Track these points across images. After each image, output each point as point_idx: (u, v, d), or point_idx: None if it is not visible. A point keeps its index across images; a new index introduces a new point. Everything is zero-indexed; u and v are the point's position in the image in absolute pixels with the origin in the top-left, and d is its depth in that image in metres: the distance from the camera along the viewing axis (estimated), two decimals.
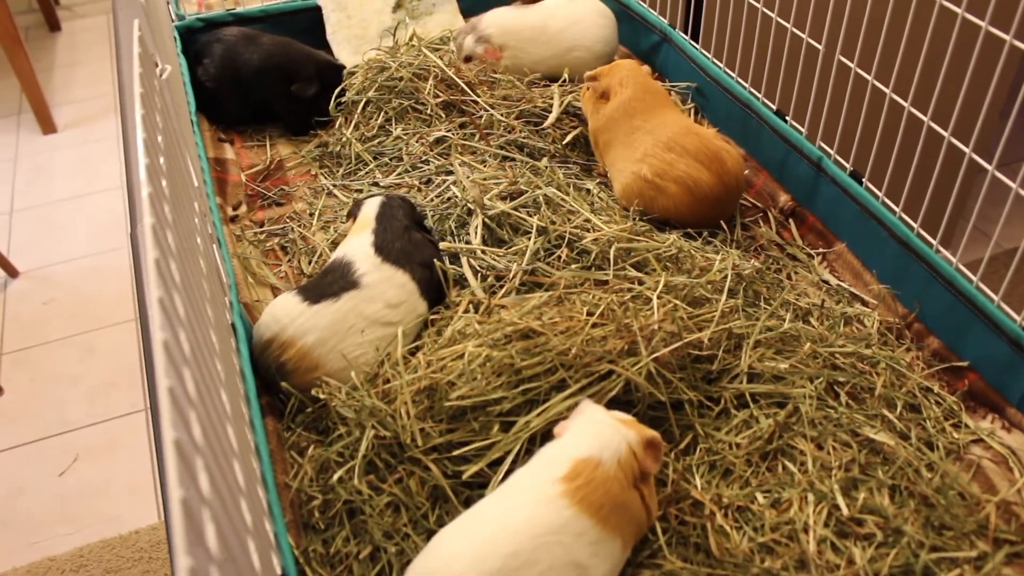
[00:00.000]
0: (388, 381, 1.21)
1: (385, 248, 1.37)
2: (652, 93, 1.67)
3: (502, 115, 1.80)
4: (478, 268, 1.41)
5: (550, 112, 1.83)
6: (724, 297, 1.33)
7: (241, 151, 1.95)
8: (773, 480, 1.16)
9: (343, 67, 2.02)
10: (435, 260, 1.41)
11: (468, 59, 1.98)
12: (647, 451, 1.04)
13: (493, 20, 1.99)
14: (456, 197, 1.56)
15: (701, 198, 1.56)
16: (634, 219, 1.56)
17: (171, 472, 0.52)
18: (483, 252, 1.43)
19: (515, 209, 1.49)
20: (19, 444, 2.45)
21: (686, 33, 2.07)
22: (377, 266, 1.34)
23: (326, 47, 2.20)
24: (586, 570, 0.96)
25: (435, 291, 1.40)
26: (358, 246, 1.38)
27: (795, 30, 1.65)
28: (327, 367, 1.27)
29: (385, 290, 1.33)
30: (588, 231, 1.45)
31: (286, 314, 1.30)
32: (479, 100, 1.83)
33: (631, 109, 1.64)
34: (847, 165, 1.57)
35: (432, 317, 1.36)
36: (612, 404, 1.15)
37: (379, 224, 1.42)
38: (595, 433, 1.03)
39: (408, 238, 1.41)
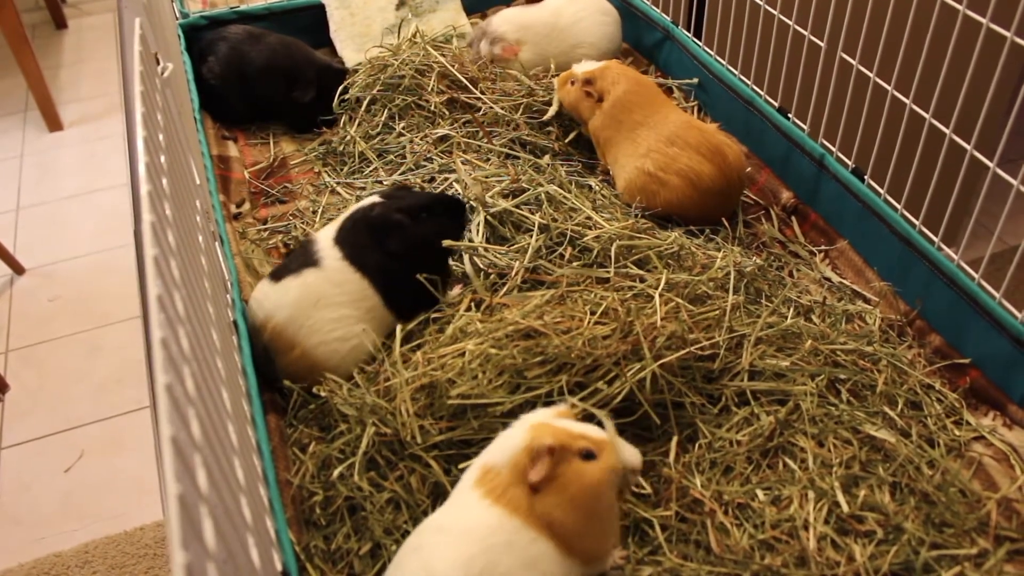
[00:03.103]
0: (388, 379, 1.22)
1: (346, 248, 1.35)
2: (645, 86, 1.69)
3: (504, 109, 1.80)
4: (480, 266, 1.42)
5: (550, 106, 1.83)
6: (730, 297, 1.33)
7: (245, 149, 1.96)
8: (774, 477, 1.16)
9: (345, 71, 2.02)
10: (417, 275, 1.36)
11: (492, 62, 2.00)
12: (530, 460, 0.96)
13: (504, 19, 2.02)
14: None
15: (703, 190, 1.56)
16: (636, 216, 1.56)
17: (168, 468, 0.52)
18: (485, 250, 1.44)
19: (517, 207, 1.49)
20: (25, 440, 2.46)
21: (689, 30, 2.07)
22: (338, 259, 1.33)
23: (329, 45, 2.21)
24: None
25: (408, 306, 1.37)
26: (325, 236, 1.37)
27: (797, 27, 1.65)
28: (303, 345, 1.29)
29: (343, 280, 1.32)
30: (590, 228, 1.45)
31: (260, 295, 1.33)
32: (482, 96, 1.84)
33: (628, 103, 1.65)
34: (849, 162, 1.57)
35: (434, 315, 1.36)
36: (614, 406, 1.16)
37: (343, 227, 1.38)
38: (502, 436, 1.01)
39: (373, 251, 1.35)
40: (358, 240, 1.34)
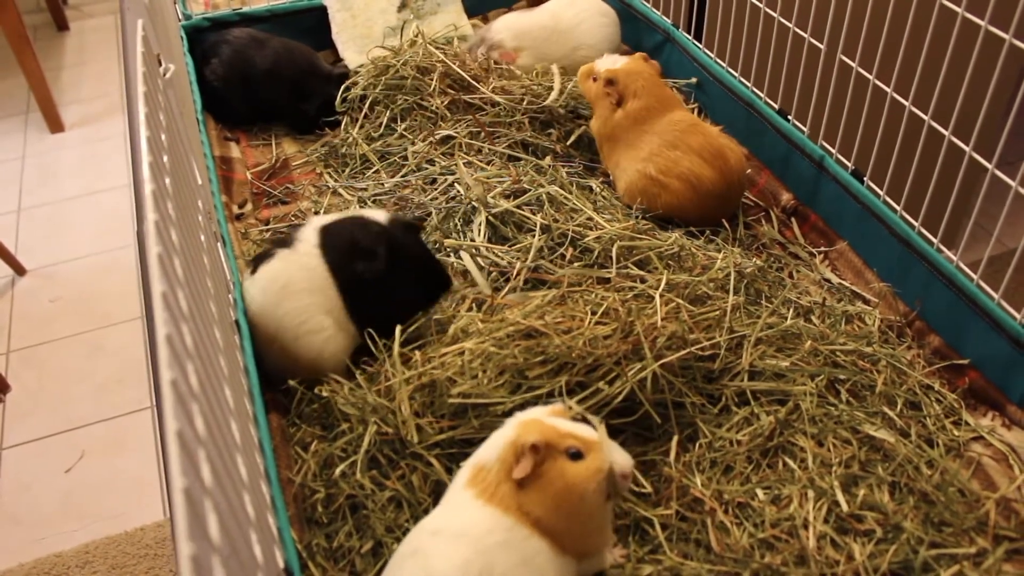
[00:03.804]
0: (389, 378, 1.22)
1: (325, 238, 1.34)
2: (663, 99, 1.66)
3: (506, 106, 1.81)
4: (482, 265, 1.42)
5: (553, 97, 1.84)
6: (730, 297, 1.33)
7: (247, 150, 1.97)
8: (773, 477, 1.16)
9: (347, 75, 2.02)
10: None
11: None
12: (518, 457, 0.96)
13: (502, 26, 2.03)
14: (460, 195, 1.57)
15: (704, 194, 1.57)
16: (636, 217, 1.57)
17: (174, 462, 0.52)
18: (487, 249, 1.44)
19: (518, 207, 1.50)
20: (26, 441, 2.46)
21: (689, 32, 2.08)
22: (313, 245, 1.33)
23: (331, 46, 2.22)
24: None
25: (369, 322, 1.33)
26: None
27: (797, 30, 1.65)
28: (282, 338, 1.29)
29: (313, 266, 1.31)
30: (591, 229, 1.46)
31: (244, 287, 1.35)
32: (486, 93, 1.84)
33: (640, 118, 1.64)
34: (849, 164, 1.58)
35: (436, 316, 1.36)
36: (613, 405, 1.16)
37: (336, 223, 1.37)
38: (494, 434, 1.02)
39: (347, 259, 1.33)
40: (337, 242, 1.33)
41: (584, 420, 1.07)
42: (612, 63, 1.70)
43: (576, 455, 0.97)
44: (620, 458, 0.99)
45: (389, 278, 1.31)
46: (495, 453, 0.98)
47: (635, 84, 1.65)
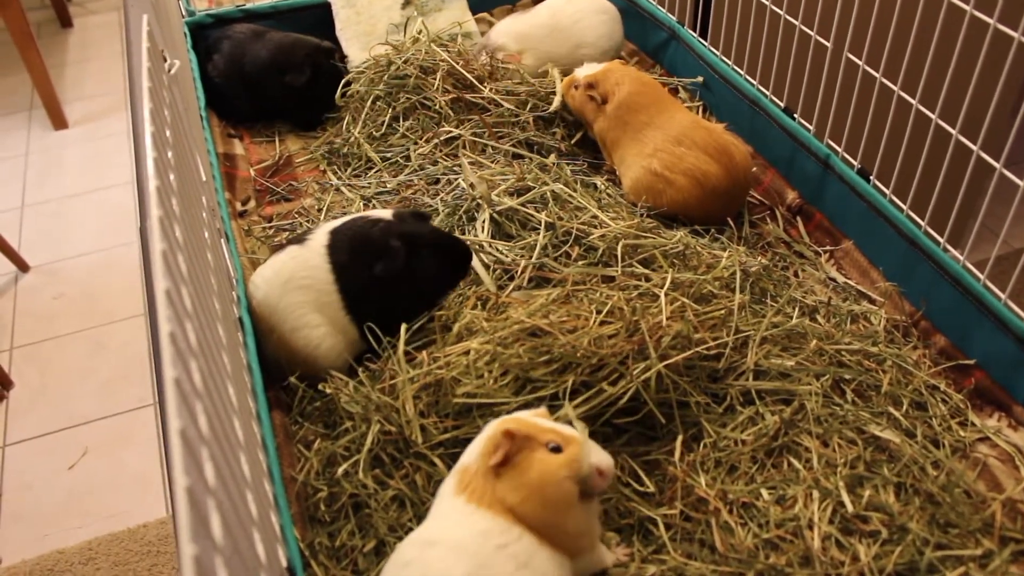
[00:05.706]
0: (393, 377, 1.22)
1: (334, 240, 1.34)
2: (649, 86, 1.69)
3: (510, 108, 1.80)
4: (487, 262, 1.42)
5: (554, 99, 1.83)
6: (736, 296, 1.33)
7: (250, 147, 1.96)
8: (778, 477, 1.16)
9: (333, 48, 2.00)
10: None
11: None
12: (496, 447, 0.97)
13: (503, 31, 2.03)
14: (464, 192, 1.57)
15: (709, 190, 1.56)
16: (641, 215, 1.56)
17: (176, 461, 0.52)
18: (491, 246, 1.44)
19: (523, 205, 1.49)
20: (29, 438, 2.47)
21: (695, 30, 2.07)
22: (322, 245, 1.33)
23: (335, 44, 2.21)
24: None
25: (373, 322, 1.32)
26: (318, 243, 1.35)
27: (804, 28, 1.65)
28: (280, 329, 1.30)
29: (316, 266, 1.31)
30: (595, 227, 1.45)
31: (254, 276, 1.36)
32: (488, 93, 1.84)
33: (634, 104, 1.65)
34: (855, 163, 1.57)
35: (439, 313, 1.36)
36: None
37: (346, 224, 1.36)
38: (476, 440, 1.02)
39: (357, 262, 1.32)
40: (349, 244, 1.32)
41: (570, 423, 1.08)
42: (590, 70, 1.73)
43: (556, 449, 0.98)
44: (598, 456, 1.00)
45: (407, 272, 1.29)
46: (475, 452, 0.99)
47: (614, 76, 1.68)
